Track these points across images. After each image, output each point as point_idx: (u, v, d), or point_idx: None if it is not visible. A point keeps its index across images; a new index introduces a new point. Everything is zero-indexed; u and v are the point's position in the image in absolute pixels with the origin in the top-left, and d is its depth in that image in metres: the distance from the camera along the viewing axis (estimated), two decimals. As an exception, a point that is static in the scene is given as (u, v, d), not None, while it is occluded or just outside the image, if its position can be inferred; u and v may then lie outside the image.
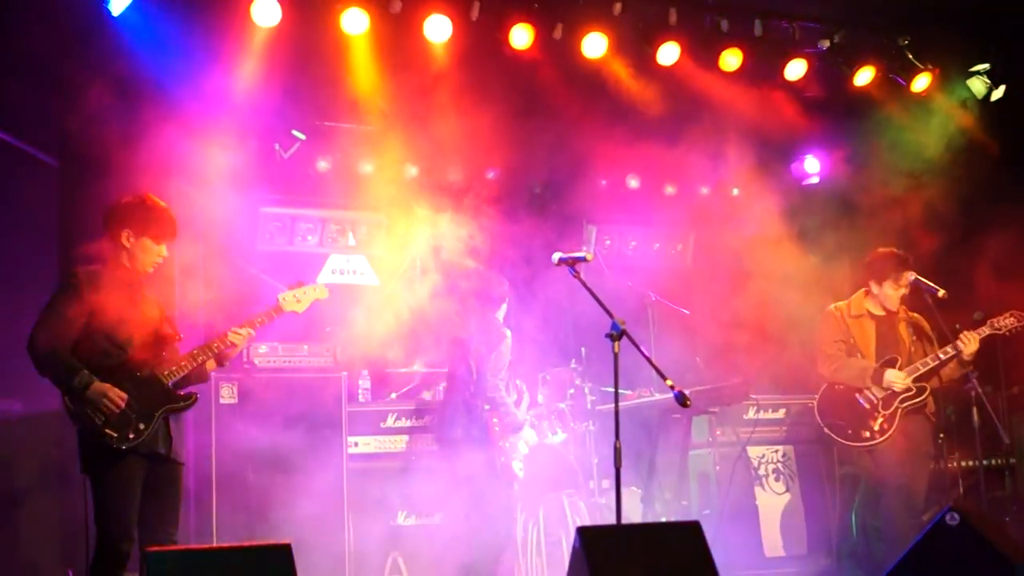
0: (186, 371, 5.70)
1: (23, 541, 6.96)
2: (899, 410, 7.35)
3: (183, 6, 7.22)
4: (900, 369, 7.36)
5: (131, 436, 5.44)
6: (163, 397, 5.60)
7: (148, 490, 5.57)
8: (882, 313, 7.58)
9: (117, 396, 5.40)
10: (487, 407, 7.16)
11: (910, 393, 7.34)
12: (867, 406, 7.40)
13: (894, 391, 7.34)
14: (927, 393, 7.38)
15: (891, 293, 7.51)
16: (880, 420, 7.36)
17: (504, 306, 7.48)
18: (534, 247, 8.50)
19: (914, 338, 7.51)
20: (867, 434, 7.38)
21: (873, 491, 7.54)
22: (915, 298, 7.51)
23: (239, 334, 5.80)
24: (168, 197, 6.00)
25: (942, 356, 7.30)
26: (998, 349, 8.85)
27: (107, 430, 5.40)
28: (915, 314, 7.61)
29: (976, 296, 8.81)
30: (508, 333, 7.30)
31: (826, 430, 7.58)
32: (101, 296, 5.52)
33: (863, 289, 7.67)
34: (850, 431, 7.46)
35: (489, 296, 7.39)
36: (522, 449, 7.38)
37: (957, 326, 7.38)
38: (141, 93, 7.22)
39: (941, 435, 8.52)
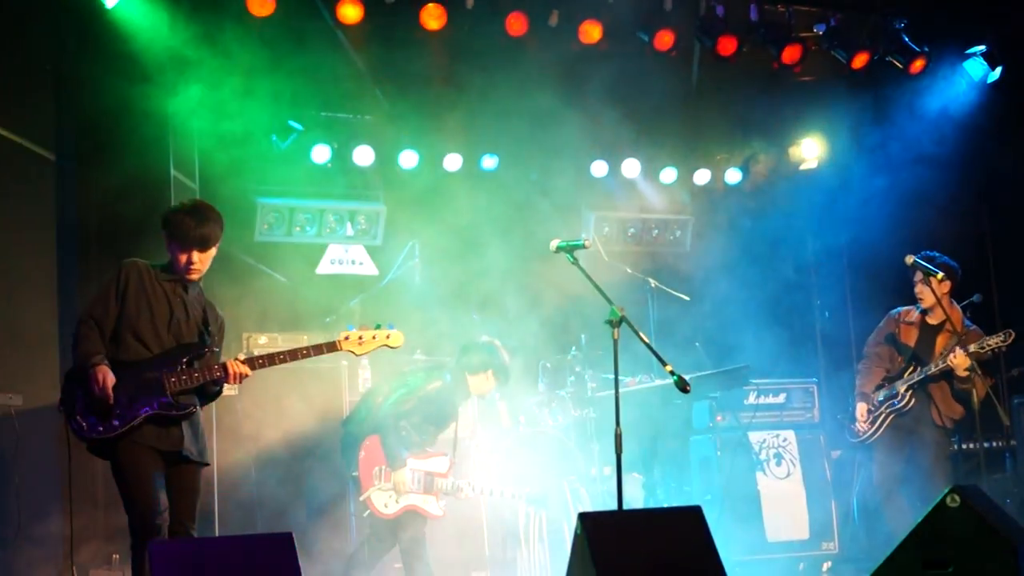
0: (192, 384, 5.45)
1: (25, 537, 6.97)
2: (885, 415, 7.43)
3: (177, -3, 7.22)
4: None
5: (100, 429, 5.27)
6: (155, 401, 5.38)
7: (170, 488, 5.42)
8: (931, 323, 7.46)
9: (106, 383, 5.22)
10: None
11: (895, 400, 7.42)
12: (873, 407, 7.57)
13: (887, 399, 7.45)
14: (908, 398, 7.38)
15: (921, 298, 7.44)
16: (868, 421, 7.54)
17: None
18: (532, 234, 8.50)
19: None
20: (857, 432, 7.62)
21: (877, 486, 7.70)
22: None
23: (237, 366, 5.48)
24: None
25: (933, 368, 7.25)
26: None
27: (77, 416, 5.27)
28: (973, 329, 7.30)
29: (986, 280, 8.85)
30: None
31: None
32: (133, 291, 5.42)
33: None
34: (851, 425, 7.70)
35: None
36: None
37: (969, 313, 7.41)
38: (137, 85, 7.20)
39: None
